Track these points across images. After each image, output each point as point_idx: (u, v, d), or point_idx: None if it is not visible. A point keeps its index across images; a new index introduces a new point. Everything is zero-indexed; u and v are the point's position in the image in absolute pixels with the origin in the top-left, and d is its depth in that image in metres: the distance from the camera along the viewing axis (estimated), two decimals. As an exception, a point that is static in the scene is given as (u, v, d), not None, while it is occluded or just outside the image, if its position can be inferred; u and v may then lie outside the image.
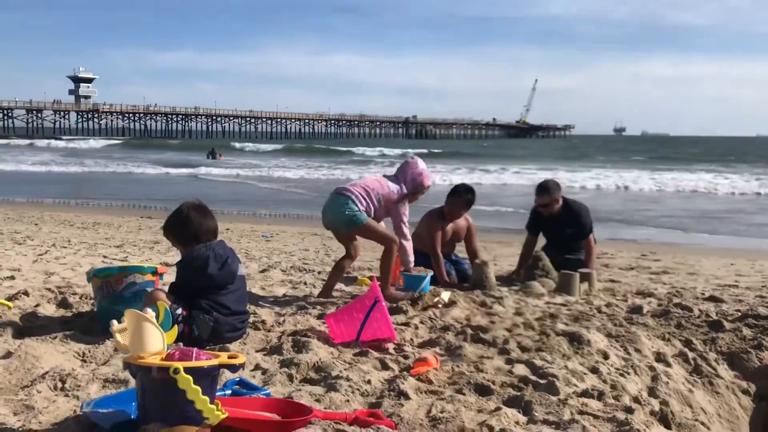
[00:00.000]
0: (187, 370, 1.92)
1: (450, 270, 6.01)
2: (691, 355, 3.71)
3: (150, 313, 2.04)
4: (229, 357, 2.10)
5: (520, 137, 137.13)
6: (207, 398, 1.92)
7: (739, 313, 4.96)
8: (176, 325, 2.33)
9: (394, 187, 4.91)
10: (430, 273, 5.17)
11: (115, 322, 2.05)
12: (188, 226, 3.59)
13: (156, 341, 1.98)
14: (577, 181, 28.58)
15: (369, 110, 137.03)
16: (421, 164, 5.10)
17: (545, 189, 6.34)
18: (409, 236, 4.96)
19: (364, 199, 4.80)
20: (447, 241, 6.08)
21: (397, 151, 54.62)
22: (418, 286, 4.94)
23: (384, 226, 4.99)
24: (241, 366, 2.13)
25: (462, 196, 5.96)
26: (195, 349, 2.06)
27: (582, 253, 6.43)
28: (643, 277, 7.53)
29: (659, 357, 3.61)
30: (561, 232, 6.43)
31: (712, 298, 5.91)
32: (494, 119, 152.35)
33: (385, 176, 5.08)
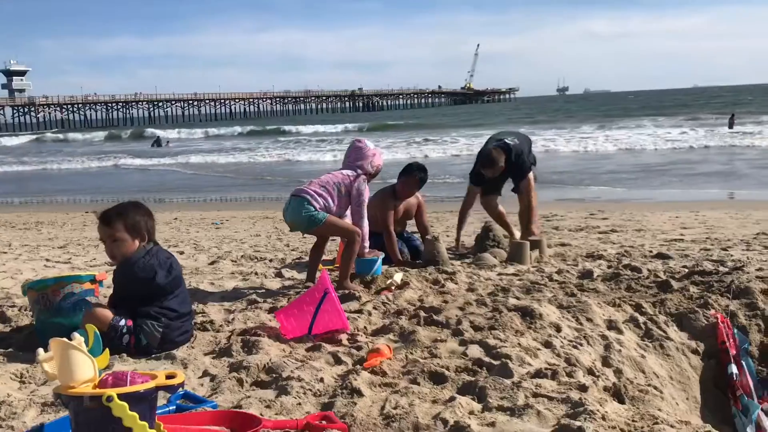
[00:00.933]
0: (122, 396, 1.82)
1: (402, 248, 5.99)
2: (641, 319, 3.75)
3: (78, 338, 1.93)
4: (168, 376, 2.01)
5: (466, 103, 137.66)
6: (146, 423, 1.83)
7: (686, 270, 5.05)
8: (107, 349, 2.21)
9: (348, 171, 4.89)
10: (381, 255, 5.12)
11: (41, 351, 1.94)
12: (129, 218, 3.45)
13: (86, 369, 1.87)
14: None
15: (314, 85, 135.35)
16: (370, 144, 5.08)
17: (492, 162, 6.31)
18: (365, 220, 4.90)
19: (321, 195, 4.78)
20: (398, 218, 6.06)
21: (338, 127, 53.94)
22: (370, 270, 4.89)
23: (346, 220, 4.94)
24: (181, 385, 2.03)
25: (414, 176, 5.92)
26: (129, 372, 1.95)
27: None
28: (592, 237, 7.64)
29: (611, 324, 3.65)
30: (503, 182, 6.60)
31: (660, 255, 6.02)
32: (439, 87, 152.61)
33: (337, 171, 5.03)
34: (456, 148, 29.30)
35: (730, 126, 31.37)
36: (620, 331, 3.58)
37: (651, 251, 6.32)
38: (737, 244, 6.79)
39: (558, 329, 3.48)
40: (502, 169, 6.36)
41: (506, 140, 6.47)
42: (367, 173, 4.91)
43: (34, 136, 62.07)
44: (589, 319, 3.66)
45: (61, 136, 61.07)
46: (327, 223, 4.75)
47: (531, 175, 6.52)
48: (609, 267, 5.47)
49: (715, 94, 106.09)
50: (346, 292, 4.46)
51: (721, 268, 5.03)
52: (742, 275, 4.50)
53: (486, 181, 6.52)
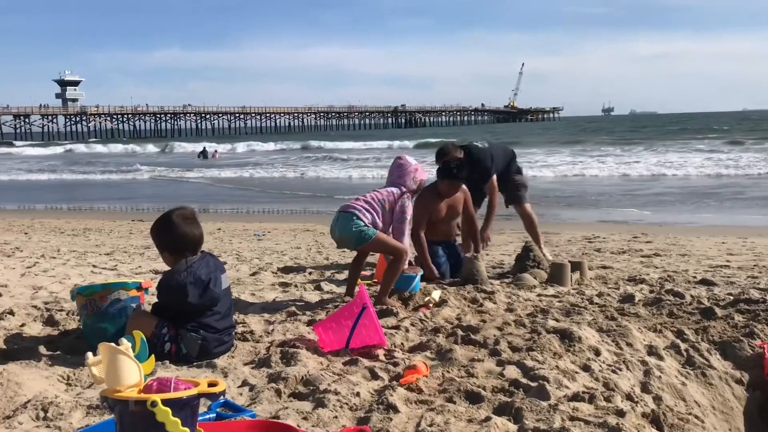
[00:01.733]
0: (166, 402, 1.87)
1: (443, 262, 5.92)
2: (683, 346, 3.69)
3: (125, 344, 2.00)
4: (210, 384, 2.06)
5: (509, 122, 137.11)
6: (187, 430, 1.88)
7: (731, 298, 4.94)
8: (153, 356, 2.28)
9: (393, 189, 4.94)
10: (420, 272, 5.13)
11: (90, 355, 2.01)
12: (171, 233, 3.53)
13: (132, 373, 1.94)
14: (566, 164, 28.63)
15: (357, 101, 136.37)
16: (411, 160, 5.13)
17: (443, 153, 6.34)
18: (407, 237, 4.93)
19: (368, 211, 4.83)
20: (443, 218, 5.93)
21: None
22: (408, 287, 4.90)
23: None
24: (222, 394, 2.08)
25: (457, 176, 5.82)
26: (174, 378, 2.01)
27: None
28: (634, 261, 7.53)
29: (651, 350, 3.59)
30: (477, 190, 6.51)
31: (704, 282, 5.90)
32: (483, 105, 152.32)
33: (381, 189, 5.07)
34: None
35: (782, 151, 30.52)
36: (661, 357, 3.52)
37: (695, 277, 6.20)
38: (786, 272, 6.61)
39: (597, 353, 3.45)
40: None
41: (473, 142, 6.74)
42: (410, 190, 4.96)
43: (64, 148, 63.32)
44: (629, 344, 3.62)
45: (98, 147, 62.13)
46: (376, 239, 4.77)
47: (494, 179, 6.64)
48: (651, 291, 5.38)
49: (765, 117, 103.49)
50: (384, 307, 4.49)
51: (768, 297, 4.91)
52: (790, 304, 4.39)
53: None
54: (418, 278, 5.01)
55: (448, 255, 6.00)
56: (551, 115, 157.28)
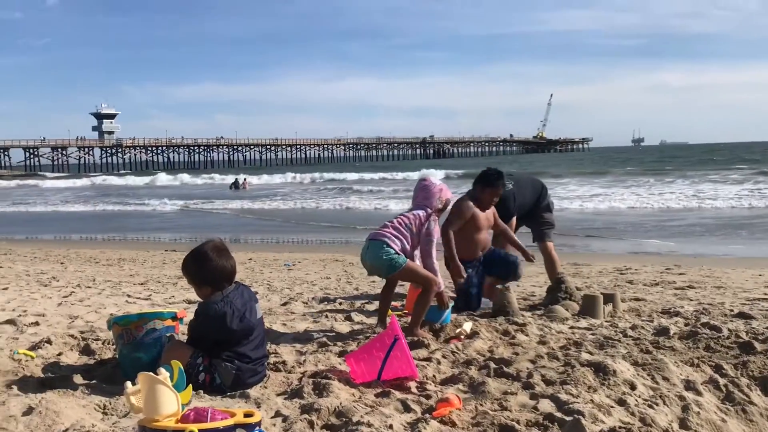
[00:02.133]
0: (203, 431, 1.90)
1: (474, 293, 5.89)
2: (722, 381, 3.60)
3: (164, 373, 2.03)
4: (245, 414, 2.07)
5: (538, 152, 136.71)
6: (223, 459, 1.90)
7: (771, 332, 4.83)
8: (190, 385, 2.31)
9: (419, 211, 4.96)
10: (451, 305, 5.12)
11: (129, 384, 2.04)
12: (205, 267, 3.57)
13: (170, 403, 1.96)
14: (596, 195, 28.38)
15: (386, 132, 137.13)
16: (436, 180, 5.17)
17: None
18: (434, 259, 4.91)
19: (397, 237, 4.85)
20: (481, 228, 5.93)
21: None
22: (438, 319, 4.89)
23: (417, 260, 4.99)
24: (258, 424, 2.10)
25: (496, 182, 5.94)
26: (210, 408, 2.04)
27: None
28: (668, 293, 7.41)
29: (689, 385, 3.52)
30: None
31: (741, 315, 5.78)
32: (511, 135, 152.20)
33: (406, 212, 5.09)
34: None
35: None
36: (699, 393, 3.45)
37: (731, 310, 6.07)
38: (827, 305, 6.45)
39: (633, 387, 3.39)
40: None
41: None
42: (436, 210, 4.99)
43: (95, 179, 64.06)
44: (665, 378, 3.55)
45: (130, 179, 62.79)
46: (406, 268, 4.79)
47: (513, 220, 6.62)
48: (686, 325, 5.29)
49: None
50: (415, 339, 4.48)
51: (808, 331, 4.79)
52: (832, 339, 4.28)
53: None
54: (448, 312, 5.00)
55: (489, 258, 6.00)
56: (580, 145, 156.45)
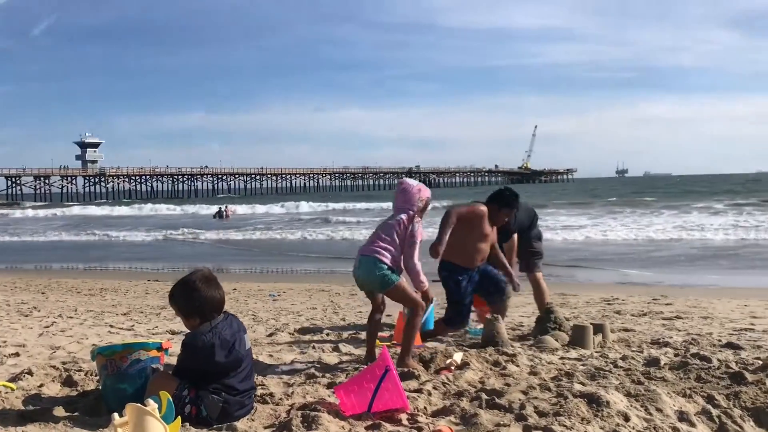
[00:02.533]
0: (192, 466, 1.83)
1: (468, 302, 5.87)
2: (714, 412, 3.58)
3: (152, 404, 1.97)
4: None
5: (523, 183, 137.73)
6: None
7: (760, 362, 4.82)
8: (179, 417, 2.24)
9: (402, 216, 4.95)
10: (432, 305, 5.24)
11: (116, 416, 1.98)
12: (193, 297, 3.51)
13: (159, 436, 1.90)
14: (580, 225, 28.56)
15: (372, 162, 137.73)
16: (413, 182, 5.16)
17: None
18: (415, 261, 4.90)
19: (387, 250, 4.87)
20: (485, 239, 5.89)
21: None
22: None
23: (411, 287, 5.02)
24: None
25: (511, 203, 5.97)
26: (199, 441, 1.97)
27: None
28: (656, 323, 7.41)
29: (682, 416, 3.49)
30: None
31: (730, 345, 5.79)
32: (496, 166, 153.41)
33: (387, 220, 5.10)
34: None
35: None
36: (692, 424, 3.42)
37: (720, 340, 6.08)
38: (813, 336, 6.47)
39: (626, 418, 3.35)
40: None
41: None
42: (418, 210, 4.98)
43: (73, 209, 63.19)
44: (659, 410, 3.52)
45: (113, 208, 62.02)
46: (398, 286, 4.83)
47: (514, 238, 6.62)
48: (676, 355, 5.28)
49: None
50: (406, 370, 4.42)
51: (798, 361, 4.78)
52: (822, 369, 4.27)
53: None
54: (430, 310, 5.25)
55: (482, 275, 5.96)
56: (565, 176, 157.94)
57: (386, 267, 4.82)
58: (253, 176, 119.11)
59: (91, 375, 4.31)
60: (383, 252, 4.86)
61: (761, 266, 15.63)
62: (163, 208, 59.54)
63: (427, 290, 5.03)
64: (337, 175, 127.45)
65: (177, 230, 32.96)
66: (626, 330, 6.71)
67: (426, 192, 5.08)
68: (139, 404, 1.96)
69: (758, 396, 3.82)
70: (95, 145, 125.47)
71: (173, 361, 3.79)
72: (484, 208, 5.86)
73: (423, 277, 4.92)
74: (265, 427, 3.32)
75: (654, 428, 3.28)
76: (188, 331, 3.59)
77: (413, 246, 4.90)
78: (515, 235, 6.60)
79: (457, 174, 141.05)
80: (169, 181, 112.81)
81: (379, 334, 6.04)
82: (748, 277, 13.87)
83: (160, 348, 3.82)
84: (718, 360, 4.91)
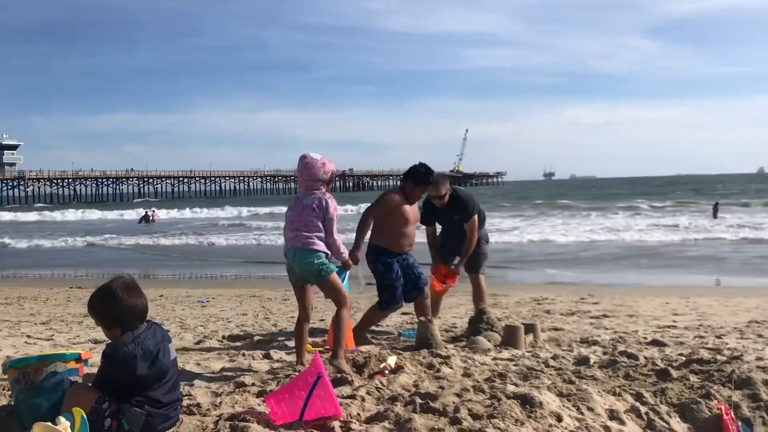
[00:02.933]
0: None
1: (399, 285, 5.90)
2: (643, 409, 3.64)
3: (63, 422, 1.82)
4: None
5: (455, 185, 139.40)
6: None
7: (683, 358, 4.97)
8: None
9: (314, 200, 4.95)
10: (346, 273, 5.37)
11: (23, 437, 1.83)
12: (114, 306, 3.32)
13: (70, 457, 1.76)
14: (510, 228, 29.11)
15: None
16: (316, 155, 5.11)
17: (436, 179, 6.47)
18: (334, 236, 4.95)
19: (317, 236, 4.89)
20: (409, 223, 5.95)
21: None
22: (341, 275, 5.18)
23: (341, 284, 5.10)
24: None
25: (425, 179, 6.00)
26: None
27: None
28: (584, 322, 7.56)
29: (612, 414, 3.53)
30: (451, 218, 6.78)
31: (655, 342, 5.95)
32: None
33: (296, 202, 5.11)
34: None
35: (714, 215, 31.82)
36: (622, 422, 3.47)
37: (645, 338, 6.25)
38: (730, 332, 6.73)
39: (559, 419, 3.37)
40: (447, 193, 6.68)
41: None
42: (325, 183, 5.02)
43: None
44: (590, 408, 3.55)
45: (31, 214, 59.05)
46: (332, 279, 4.91)
47: (475, 218, 6.80)
48: (605, 353, 5.38)
49: (698, 182, 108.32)
50: (338, 375, 4.33)
51: (719, 357, 4.95)
52: (742, 365, 4.42)
53: (434, 216, 6.87)
54: (346, 275, 5.38)
55: (405, 267, 5.98)
56: (495, 179, 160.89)
57: (324, 256, 4.88)
58: (180, 179, 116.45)
59: (4, 390, 4.05)
60: (316, 240, 4.88)
61: (680, 265, 16.27)
62: (87, 213, 57.44)
63: (347, 260, 5.14)
64: (268, 177, 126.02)
65: (101, 235, 31.81)
66: (556, 329, 6.82)
67: (330, 165, 5.09)
68: (48, 423, 1.81)
69: (683, 392, 3.92)
70: (13, 147, 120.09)
71: (95, 371, 3.60)
72: (395, 195, 5.94)
73: (343, 248, 5.02)
74: (192, 440, 3.17)
75: (586, 427, 3.30)
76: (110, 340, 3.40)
77: (331, 222, 4.94)
78: (475, 217, 6.75)
79: (391, 177, 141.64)
80: (93, 185, 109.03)
81: (313, 339, 5.95)
82: (669, 275, 14.41)
83: (79, 359, 3.60)
84: (645, 357, 5.03)
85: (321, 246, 4.89)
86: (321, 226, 4.91)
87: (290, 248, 4.95)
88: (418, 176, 5.97)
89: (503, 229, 28.27)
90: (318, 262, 4.85)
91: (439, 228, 7.09)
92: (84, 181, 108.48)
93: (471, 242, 6.71)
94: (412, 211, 5.99)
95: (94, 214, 55.92)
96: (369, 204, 6.11)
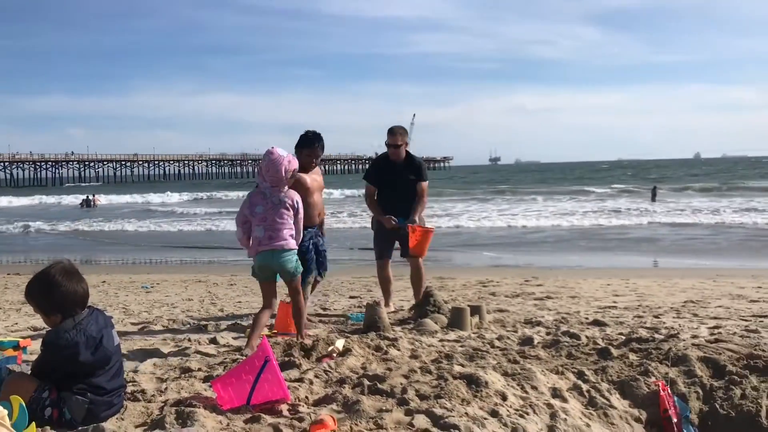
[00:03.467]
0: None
1: (310, 257, 5.91)
2: (584, 387, 3.74)
3: (1, 411, 1.77)
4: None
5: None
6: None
7: (623, 337, 5.12)
8: (33, 423, 2.04)
9: (283, 197, 5.12)
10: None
11: (-43, 426, 1.77)
12: (53, 293, 3.22)
13: (9, 446, 1.71)
14: (456, 211, 29.44)
15: (251, 149, 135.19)
16: (281, 151, 5.19)
17: (398, 131, 6.73)
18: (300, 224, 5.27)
19: (291, 236, 5.17)
20: (315, 193, 5.99)
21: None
22: None
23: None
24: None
25: (306, 141, 6.03)
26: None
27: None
28: (528, 303, 7.71)
29: (555, 392, 3.62)
30: (405, 177, 6.86)
31: (596, 323, 6.10)
32: (376, 153, 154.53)
33: (256, 193, 5.20)
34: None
35: (653, 198, 32.84)
36: (565, 399, 3.56)
37: (587, 318, 6.40)
38: (668, 311, 6.96)
39: (504, 397, 3.43)
40: (404, 146, 6.82)
41: None
42: (288, 181, 5.16)
43: None
44: (534, 387, 3.63)
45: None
46: (298, 279, 5.25)
47: (425, 185, 6.96)
48: (548, 334, 5.50)
49: (638, 166, 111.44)
50: (286, 359, 4.32)
51: (656, 336, 5.12)
52: (678, 342, 4.59)
53: (382, 175, 6.97)
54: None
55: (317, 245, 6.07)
56: (442, 164, 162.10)
57: (296, 258, 5.19)
58: (123, 163, 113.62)
59: (-64, 380, 3.90)
60: (290, 240, 5.15)
61: (620, 247, 16.76)
62: (25, 198, 55.49)
63: None
64: (214, 161, 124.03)
65: (40, 220, 30.82)
66: (501, 311, 6.93)
67: (295, 163, 5.21)
68: (-15, 412, 1.76)
69: (623, 369, 4.04)
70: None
71: (34, 359, 3.49)
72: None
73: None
74: (136, 426, 3.12)
75: (530, 405, 3.37)
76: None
77: (301, 221, 5.26)
78: (425, 183, 6.90)
79: (338, 161, 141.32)
80: (32, 168, 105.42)
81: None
82: (610, 258, 14.83)
83: (17, 347, 3.52)
84: (586, 337, 5.16)
85: (294, 244, 5.17)
86: (291, 223, 5.15)
87: (267, 249, 5.10)
88: (301, 139, 6.02)
89: (452, 214, 28.57)
90: (294, 260, 5.16)
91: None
92: (21, 165, 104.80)
93: (423, 202, 6.84)
94: (313, 180, 6.01)
95: (32, 200, 54.07)
96: None
